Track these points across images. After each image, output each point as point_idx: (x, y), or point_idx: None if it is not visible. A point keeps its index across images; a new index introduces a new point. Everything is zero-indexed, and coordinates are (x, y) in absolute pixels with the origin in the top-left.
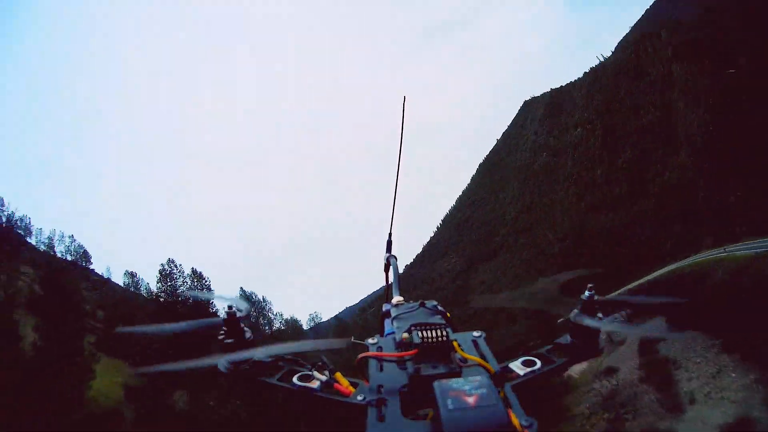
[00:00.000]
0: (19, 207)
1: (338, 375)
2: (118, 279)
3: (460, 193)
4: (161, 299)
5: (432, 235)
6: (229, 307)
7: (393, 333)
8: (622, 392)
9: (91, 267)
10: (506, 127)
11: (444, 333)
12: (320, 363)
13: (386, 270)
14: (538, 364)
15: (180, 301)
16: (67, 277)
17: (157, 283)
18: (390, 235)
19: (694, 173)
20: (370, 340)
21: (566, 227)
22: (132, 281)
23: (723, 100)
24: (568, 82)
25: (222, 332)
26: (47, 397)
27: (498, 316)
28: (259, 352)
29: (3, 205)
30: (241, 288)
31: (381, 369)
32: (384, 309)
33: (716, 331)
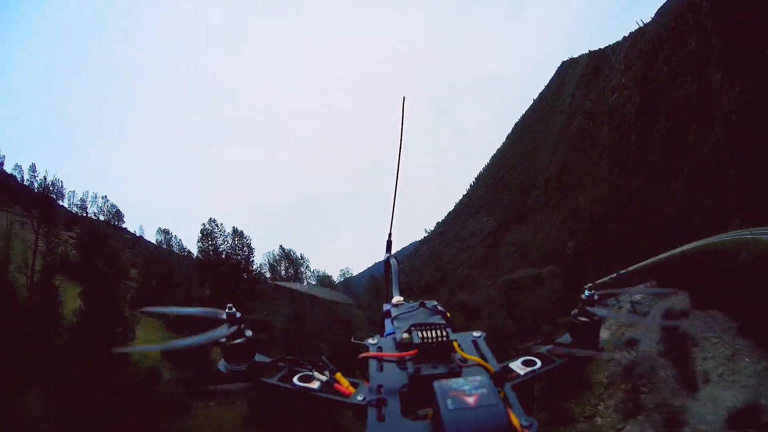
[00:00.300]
0: (54, 171)
1: (338, 375)
2: (151, 237)
3: (494, 152)
4: (196, 257)
5: (464, 192)
6: (229, 308)
7: (393, 333)
8: (641, 365)
9: (124, 226)
10: (542, 88)
11: (444, 333)
12: (320, 363)
13: (386, 270)
14: (538, 363)
15: (219, 260)
16: (108, 244)
17: (198, 242)
18: (390, 235)
19: (727, 151)
20: (370, 340)
21: (597, 192)
22: (165, 238)
23: (760, 81)
24: (607, 45)
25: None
26: (95, 361)
27: (525, 281)
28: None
29: (35, 172)
30: (281, 246)
31: (381, 369)
32: (384, 309)
33: (735, 313)
